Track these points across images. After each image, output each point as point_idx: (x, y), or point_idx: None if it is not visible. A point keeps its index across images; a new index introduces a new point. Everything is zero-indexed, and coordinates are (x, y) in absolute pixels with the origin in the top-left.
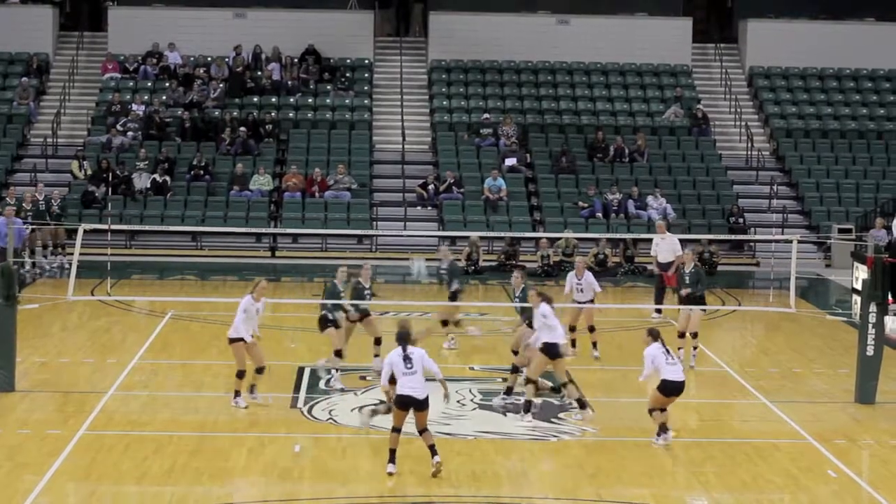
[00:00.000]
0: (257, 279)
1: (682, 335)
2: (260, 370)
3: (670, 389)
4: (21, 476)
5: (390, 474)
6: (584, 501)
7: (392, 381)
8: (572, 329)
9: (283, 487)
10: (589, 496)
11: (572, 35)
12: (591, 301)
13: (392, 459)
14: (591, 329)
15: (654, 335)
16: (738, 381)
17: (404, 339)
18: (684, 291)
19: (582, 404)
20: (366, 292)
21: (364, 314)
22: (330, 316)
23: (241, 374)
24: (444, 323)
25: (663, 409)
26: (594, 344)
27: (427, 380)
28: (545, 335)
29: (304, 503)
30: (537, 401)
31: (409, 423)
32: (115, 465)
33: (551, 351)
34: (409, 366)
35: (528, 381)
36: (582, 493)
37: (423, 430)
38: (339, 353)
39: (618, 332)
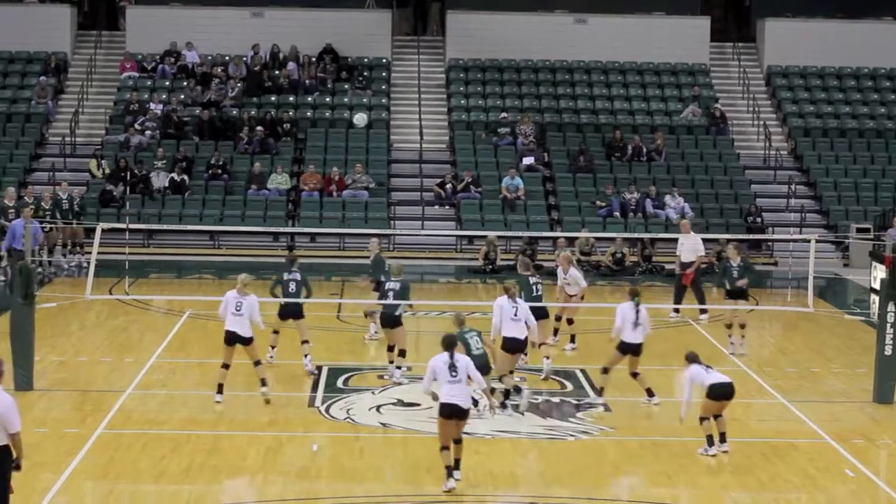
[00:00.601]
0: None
1: (729, 326)
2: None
3: (719, 393)
4: (39, 475)
5: (448, 490)
6: (601, 501)
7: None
8: (558, 319)
9: (300, 487)
10: (607, 496)
11: (590, 34)
12: (582, 298)
13: (449, 474)
14: (570, 322)
15: (692, 358)
16: (756, 380)
17: (451, 345)
18: (741, 283)
19: (505, 398)
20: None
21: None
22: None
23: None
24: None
25: (717, 416)
26: (572, 337)
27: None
28: (506, 329)
29: (322, 502)
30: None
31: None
32: (132, 464)
33: (508, 345)
34: (454, 374)
35: (501, 378)
36: (599, 492)
37: (457, 441)
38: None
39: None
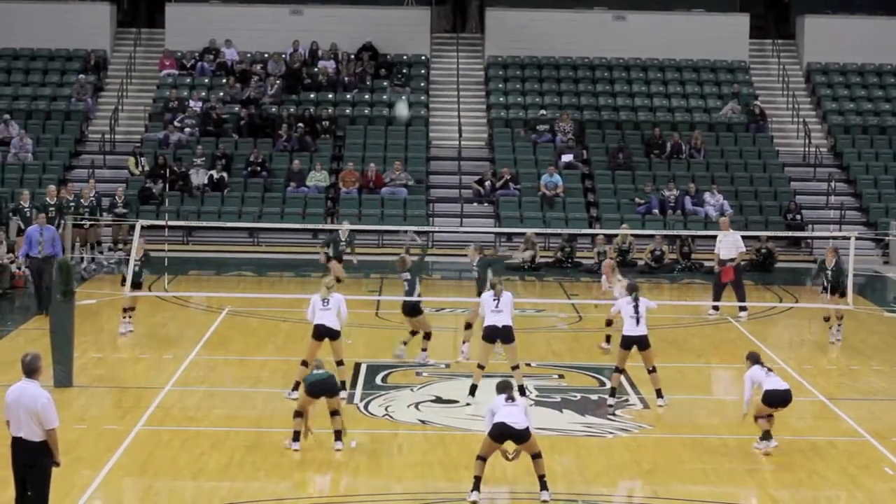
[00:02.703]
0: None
1: (827, 319)
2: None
3: (774, 399)
4: (78, 471)
5: (473, 503)
6: (639, 498)
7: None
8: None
9: (339, 483)
10: (645, 493)
11: (629, 31)
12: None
13: (476, 487)
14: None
15: (754, 359)
16: (796, 378)
17: (506, 389)
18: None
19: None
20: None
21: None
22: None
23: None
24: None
25: (769, 416)
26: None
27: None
28: (487, 319)
29: (361, 499)
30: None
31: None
32: (171, 461)
33: (487, 333)
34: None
35: (479, 365)
36: (638, 490)
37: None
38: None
39: (674, 329)
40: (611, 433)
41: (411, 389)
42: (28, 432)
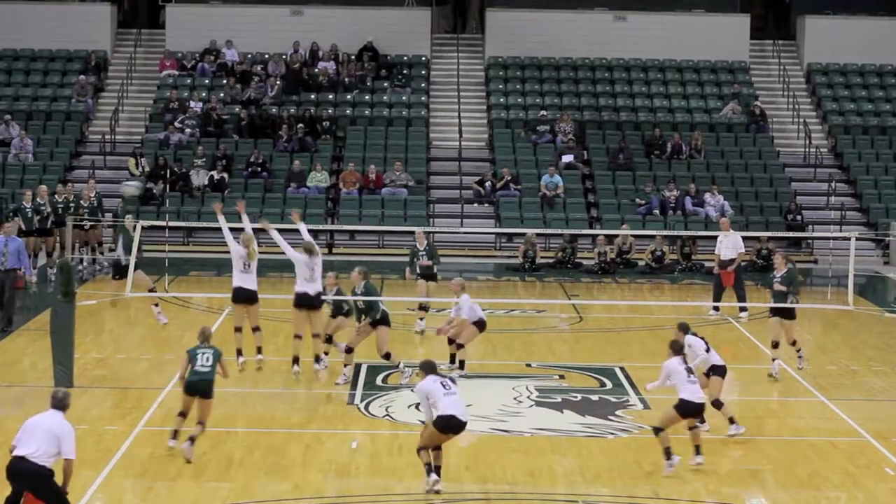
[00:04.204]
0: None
1: (776, 345)
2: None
3: (688, 410)
4: (79, 472)
5: (435, 482)
6: (640, 499)
7: None
8: None
9: (339, 484)
10: (646, 494)
11: (629, 31)
12: None
13: (431, 471)
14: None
15: (676, 349)
16: (796, 378)
17: (434, 369)
18: (777, 287)
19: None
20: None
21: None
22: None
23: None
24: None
25: (693, 428)
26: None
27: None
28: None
29: (361, 499)
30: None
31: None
32: (172, 461)
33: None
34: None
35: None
36: (639, 490)
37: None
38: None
39: (674, 330)
40: (612, 434)
41: (412, 390)
42: (38, 452)
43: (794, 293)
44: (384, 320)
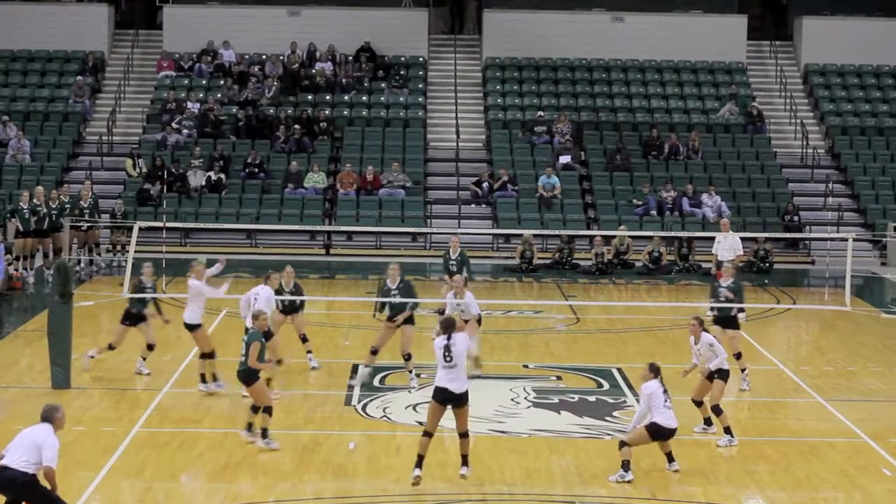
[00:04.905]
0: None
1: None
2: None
3: (659, 434)
4: (76, 473)
5: (417, 478)
6: (637, 500)
7: None
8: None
9: (337, 484)
10: (642, 494)
11: (627, 32)
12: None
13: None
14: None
15: (656, 371)
16: (793, 379)
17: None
18: (725, 294)
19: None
20: (392, 293)
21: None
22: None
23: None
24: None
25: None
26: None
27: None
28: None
29: (359, 500)
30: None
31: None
32: (169, 462)
33: None
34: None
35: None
36: (636, 491)
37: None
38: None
39: (672, 330)
40: (609, 435)
41: (409, 391)
42: (20, 460)
43: (740, 302)
44: (410, 319)
